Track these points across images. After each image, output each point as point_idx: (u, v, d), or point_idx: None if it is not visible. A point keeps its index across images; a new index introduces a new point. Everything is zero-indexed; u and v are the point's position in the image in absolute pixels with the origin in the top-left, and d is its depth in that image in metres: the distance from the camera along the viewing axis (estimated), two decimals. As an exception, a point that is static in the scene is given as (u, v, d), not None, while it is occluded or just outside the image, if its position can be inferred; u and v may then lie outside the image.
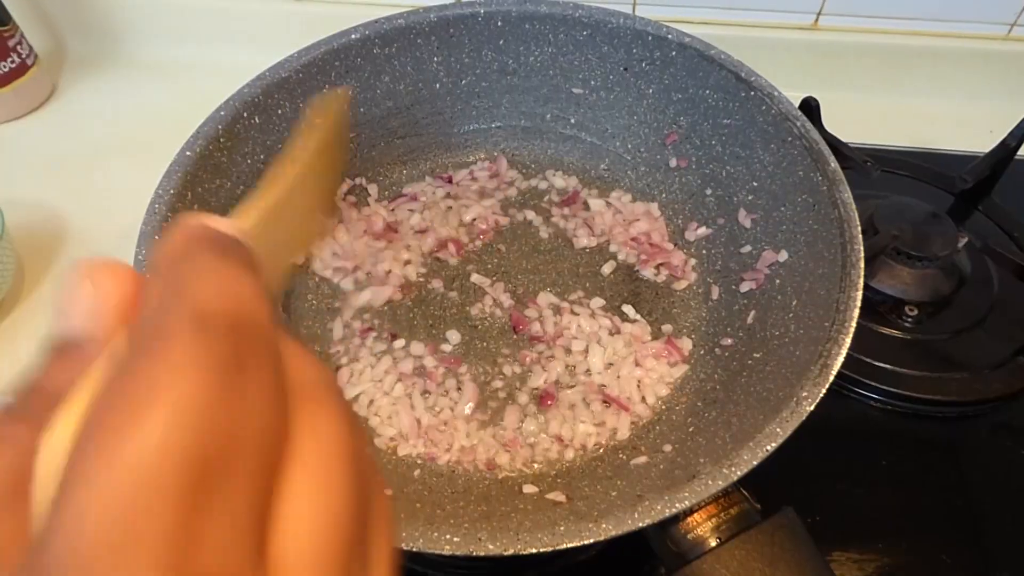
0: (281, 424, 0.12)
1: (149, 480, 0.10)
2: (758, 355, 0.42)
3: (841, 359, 0.35)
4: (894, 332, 0.51)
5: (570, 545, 0.29)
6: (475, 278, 0.51)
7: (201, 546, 0.10)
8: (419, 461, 0.43)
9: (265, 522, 0.11)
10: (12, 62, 0.65)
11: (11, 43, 0.65)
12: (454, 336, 0.48)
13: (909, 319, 0.52)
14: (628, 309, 0.49)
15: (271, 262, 0.18)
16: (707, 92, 0.49)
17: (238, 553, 0.11)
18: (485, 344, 0.48)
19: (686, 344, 0.47)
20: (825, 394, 0.34)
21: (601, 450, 0.43)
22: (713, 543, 0.31)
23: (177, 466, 0.10)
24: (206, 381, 0.11)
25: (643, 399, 0.45)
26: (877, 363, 0.49)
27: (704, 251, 0.52)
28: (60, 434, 0.12)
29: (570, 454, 0.43)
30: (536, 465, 0.42)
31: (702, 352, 0.47)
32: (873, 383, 0.49)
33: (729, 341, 0.46)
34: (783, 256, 0.45)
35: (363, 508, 0.13)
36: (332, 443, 0.13)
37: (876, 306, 0.52)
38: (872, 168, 0.55)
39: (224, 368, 0.11)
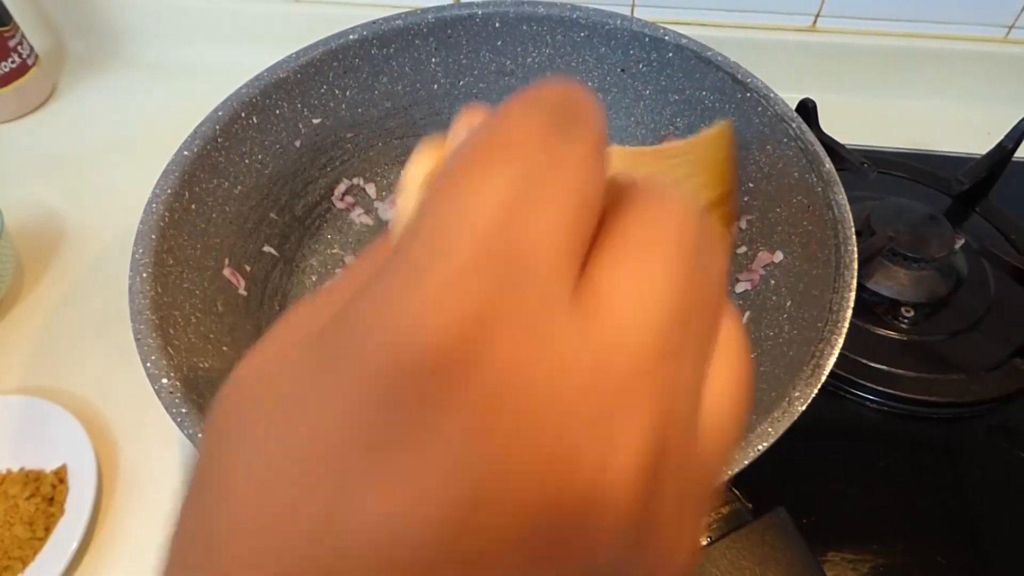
0: (599, 185, 0.12)
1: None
2: (752, 355, 0.42)
3: (833, 360, 0.35)
4: (890, 333, 0.51)
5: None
6: None
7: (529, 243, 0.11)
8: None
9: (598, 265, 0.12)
10: (13, 62, 0.66)
11: (12, 43, 0.65)
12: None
13: (905, 320, 0.52)
14: None
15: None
16: (704, 93, 0.49)
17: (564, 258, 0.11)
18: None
19: None
20: (821, 395, 0.34)
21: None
22: (704, 542, 0.31)
23: (501, 197, 0.11)
24: (534, 139, 0.12)
25: None
26: (873, 364, 0.50)
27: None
28: (419, 165, 0.15)
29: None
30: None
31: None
32: (869, 384, 0.49)
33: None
34: (778, 257, 0.45)
35: (696, 296, 0.12)
36: (667, 227, 0.12)
37: (872, 307, 0.53)
38: (869, 169, 0.55)
39: (551, 127, 0.12)
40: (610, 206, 0.13)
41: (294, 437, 0.11)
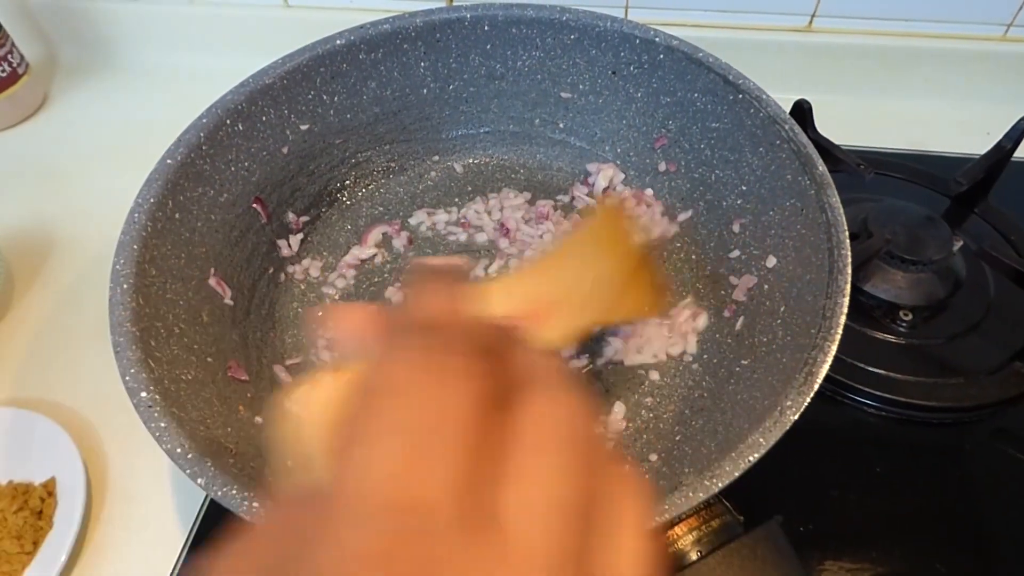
0: (483, 402, 0.14)
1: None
2: (746, 362, 0.42)
3: (827, 367, 0.34)
4: (888, 337, 0.51)
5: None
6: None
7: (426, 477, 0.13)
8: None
9: (493, 484, 0.14)
10: (3, 71, 0.66)
11: (2, 52, 0.65)
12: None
13: (903, 324, 0.51)
14: None
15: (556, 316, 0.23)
16: (695, 95, 0.49)
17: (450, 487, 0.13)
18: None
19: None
20: (818, 400, 0.33)
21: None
22: (694, 556, 0.30)
23: (400, 431, 0.14)
24: (419, 379, 0.14)
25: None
26: (871, 368, 0.49)
27: (693, 256, 0.51)
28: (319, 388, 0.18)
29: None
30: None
31: (690, 359, 0.46)
32: (867, 389, 0.48)
33: (718, 347, 0.45)
34: (771, 261, 0.44)
35: (587, 483, 0.14)
36: (555, 427, 0.14)
37: (870, 310, 0.52)
38: (866, 171, 0.54)
39: (429, 368, 0.14)
40: (506, 402, 0.15)
41: None
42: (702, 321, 0.48)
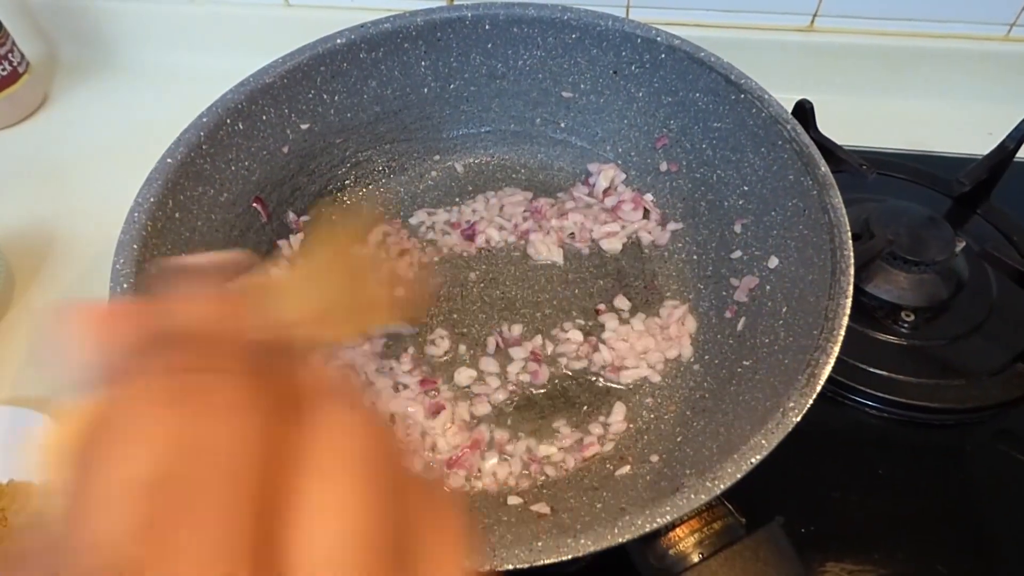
0: (255, 436, 0.12)
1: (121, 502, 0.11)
2: (747, 363, 0.41)
3: (829, 368, 0.34)
4: (890, 338, 0.50)
5: (548, 561, 0.28)
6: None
7: (179, 553, 0.10)
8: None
9: (269, 528, 0.11)
10: (3, 70, 0.65)
11: (2, 51, 0.65)
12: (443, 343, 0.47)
13: (906, 325, 0.51)
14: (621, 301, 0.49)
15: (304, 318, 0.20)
16: (697, 95, 0.49)
17: (218, 556, 0.11)
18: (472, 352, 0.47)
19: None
20: (820, 401, 0.33)
21: (587, 461, 0.42)
22: (696, 559, 0.30)
23: (140, 490, 0.11)
24: (174, 414, 0.11)
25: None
26: (873, 369, 0.49)
27: (695, 256, 0.51)
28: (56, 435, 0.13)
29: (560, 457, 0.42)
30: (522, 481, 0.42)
31: (692, 360, 0.46)
32: (869, 390, 0.48)
33: (719, 348, 0.45)
34: (773, 262, 0.44)
35: (392, 511, 0.12)
36: (345, 448, 0.12)
37: (872, 311, 0.52)
38: (868, 171, 0.54)
39: (187, 397, 0.12)
40: (288, 427, 0.12)
41: None
42: (691, 323, 0.47)
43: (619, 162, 0.55)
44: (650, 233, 0.52)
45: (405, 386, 0.45)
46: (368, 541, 0.12)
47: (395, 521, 0.12)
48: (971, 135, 0.64)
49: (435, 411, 0.44)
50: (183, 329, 0.13)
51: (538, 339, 0.47)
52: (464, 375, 0.46)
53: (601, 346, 0.46)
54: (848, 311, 0.35)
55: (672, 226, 0.52)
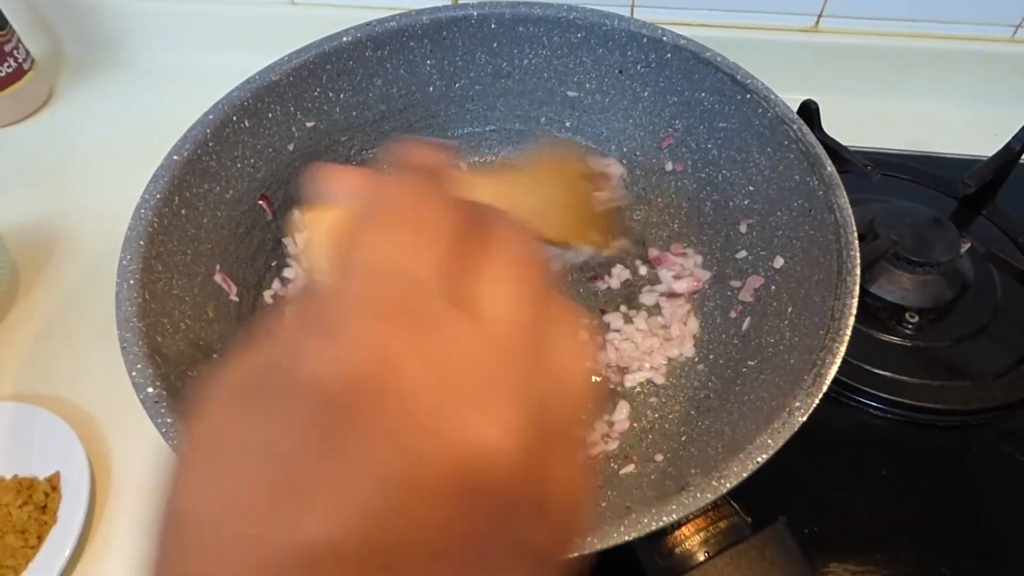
0: (462, 224, 0.16)
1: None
2: (753, 363, 0.41)
3: (835, 368, 0.34)
4: (894, 339, 0.50)
5: (553, 559, 0.28)
6: None
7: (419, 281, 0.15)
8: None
9: (471, 279, 0.16)
10: (9, 67, 0.66)
11: (7, 47, 0.65)
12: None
13: (910, 326, 0.51)
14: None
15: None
16: (703, 95, 0.49)
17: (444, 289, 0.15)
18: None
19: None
20: (824, 402, 0.33)
21: (591, 460, 0.42)
22: (701, 557, 0.30)
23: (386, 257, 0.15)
24: (407, 199, 0.16)
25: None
26: (877, 371, 0.49)
27: (700, 256, 0.51)
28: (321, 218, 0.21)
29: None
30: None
31: (696, 360, 0.46)
32: (873, 391, 0.48)
33: (724, 348, 0.45)
34: (779, 262, 0.44)
35: (543, 299, 0.16)
36: (516, 251, 0.17)
37: (876, 312, 0.52)
38: (873, 172, 0.54)
39: (417, 193, 0.17)
40: (477, 232, 0.17)
41: (242, 473, 0.14)
42: (694, 324, 0.48)
43: (624, 161, 0.55)
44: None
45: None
46: (531, 311, 0.16)
47: (545, 307, 0.16)
48: (976, 136, 0.64)
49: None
50: (413, 175, 0.18)
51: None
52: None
53: (607, 346, 0.46)
54: (855, 311, 0.35)
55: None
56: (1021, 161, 0.56)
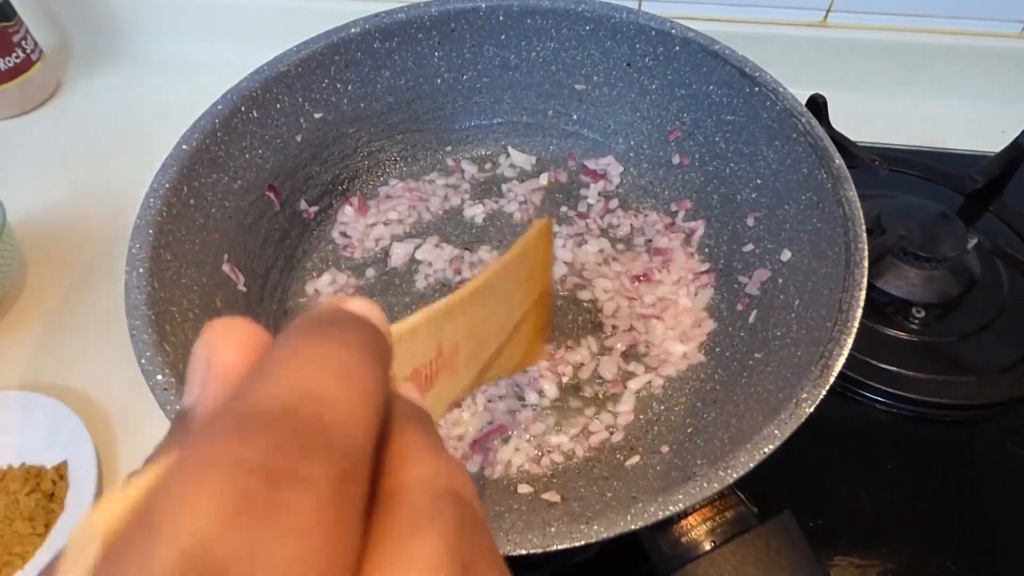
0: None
1: None
2: (759, 355, 0.41)
3: (842, 360, 0.34)
4: (900, 334, 0.50)
5: (560, 547, 0.28)
6: None
7: None
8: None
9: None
10: (17, 57, 0.66)
11: (16, 38, 0.65)
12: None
13: (916, 321, 0.51)
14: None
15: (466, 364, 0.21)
16: (711, 88, 0.49)
17: None
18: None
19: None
20: (829, 396, 0.33)
21: (596, 451, 0.42)
22: (707, 547, 0.30)
23: None
24: (223, 505, 0.10)
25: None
26: (883, 365, 0.49)
27: (707, 250, 0.51)
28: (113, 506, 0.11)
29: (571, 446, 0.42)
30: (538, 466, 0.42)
31: (703, 352, 0.46)
32: (878, 385, 0.48)
33: (730, 341, 0.45)
34: (786, 255, 0.44)
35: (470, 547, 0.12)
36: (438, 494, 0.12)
37: (882, 307, 0.52)
38: (880, 167, 0.54)
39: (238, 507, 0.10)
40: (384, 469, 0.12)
41: None
42: (708, 326, 0.47)
43: (631, 154, 0.55)
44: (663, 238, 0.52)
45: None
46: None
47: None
48: (984, 132, 0.64)
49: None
50: (292, 397, 0.11)
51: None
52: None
53: (613, 335, 0.47)
54: (862, 304, 0.35)
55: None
56: (1029, 157, 0.56)
